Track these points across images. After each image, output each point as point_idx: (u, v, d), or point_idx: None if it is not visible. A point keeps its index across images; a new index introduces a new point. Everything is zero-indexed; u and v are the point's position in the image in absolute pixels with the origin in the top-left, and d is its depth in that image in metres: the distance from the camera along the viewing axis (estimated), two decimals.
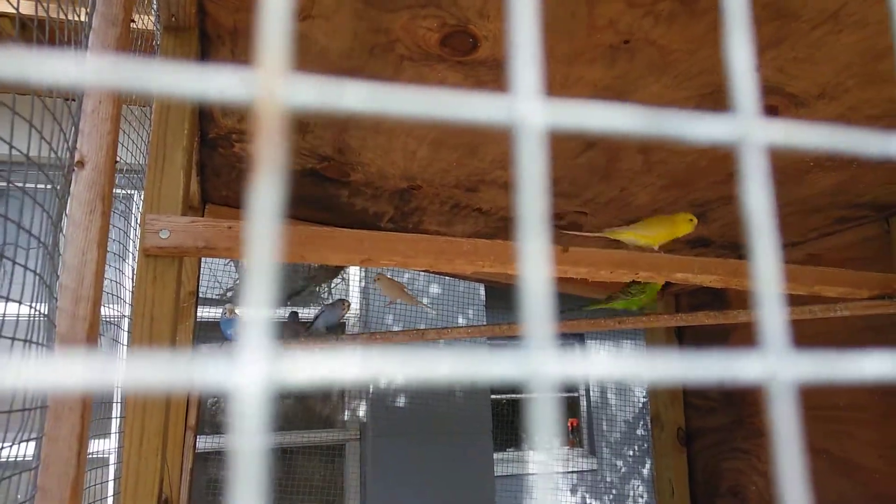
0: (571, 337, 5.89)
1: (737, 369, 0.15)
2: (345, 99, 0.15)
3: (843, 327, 2.00)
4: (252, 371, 0.13)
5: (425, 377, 0.14)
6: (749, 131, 0.16)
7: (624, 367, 0.14)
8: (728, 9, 0.17)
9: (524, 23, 0.16)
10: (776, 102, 1.30)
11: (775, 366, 0.14)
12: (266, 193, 0.14)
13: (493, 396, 5.33)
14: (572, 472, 5.73)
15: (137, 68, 0.14)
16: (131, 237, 1.72)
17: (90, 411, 0.73)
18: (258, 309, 0.14)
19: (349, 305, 2.38)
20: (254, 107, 0.14)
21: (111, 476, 1.77)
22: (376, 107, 0.15)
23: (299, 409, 4.36)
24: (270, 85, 0.14)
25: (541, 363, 0.14)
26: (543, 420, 0.13)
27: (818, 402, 2.11)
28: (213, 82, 0.14)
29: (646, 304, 1.57)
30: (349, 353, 0.14)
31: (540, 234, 0.14)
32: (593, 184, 1.76)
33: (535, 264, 0.14)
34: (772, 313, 0.15)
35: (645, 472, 5.84)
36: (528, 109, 0.15)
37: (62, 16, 0.84)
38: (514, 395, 6.14)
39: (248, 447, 0.13)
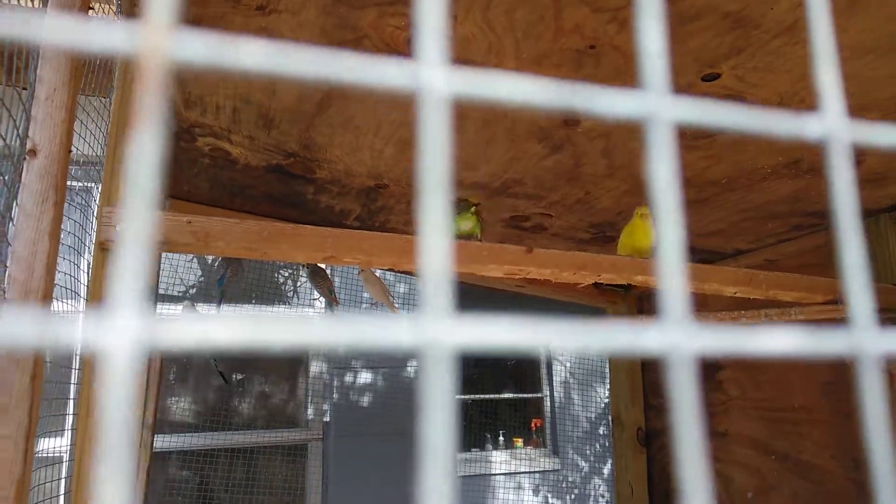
0: None
1: (638, 341, 0.15)
2: (241, 57, 0.15)
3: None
4: (122, 331, 0.13)
5: (310, 343, 0.14)
6: (657, 107, 0.16)
7: (525, 335, 0.14)
8: None
9: None
10: None
11: (675, 337, 0.15)
12: (146, 148, 0.14)
13: (457, 397, 5.34)
14: (535, 471, 5.77)
15: (17, 17, 0.13)
16: (89, 231, 1.68)
17: (38, 409, 0.71)
18: (132, 270, 0.13)
19: None
20: (137, 60, 0.14)
21: (63, 474, 1.73)
22: (274, 67, 0.15)
23: (262, 409, 4.30)
24: (155, 39, 0.14)
25: (437, 331, 0.14)
26: (438, 390, 0.13)
27: (773, 404, 2.17)
28: (97, 34, 0.14)
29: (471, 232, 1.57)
30: (231, 316, 0.14)
31: (441, 201, 0.14)
32: (559, 186, 1.77)
33: (435, 231, 0.14)
34: (673, 284, 0.15)
35: (606, 471, 5.92)
36: (433, 76, 0.15)
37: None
38: (478, 396, 6.16)
39: (116, 414, 0.12)
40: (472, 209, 1.57)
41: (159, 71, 0.14)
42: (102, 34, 0.14)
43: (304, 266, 2.60)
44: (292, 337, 0.13)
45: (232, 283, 2.61)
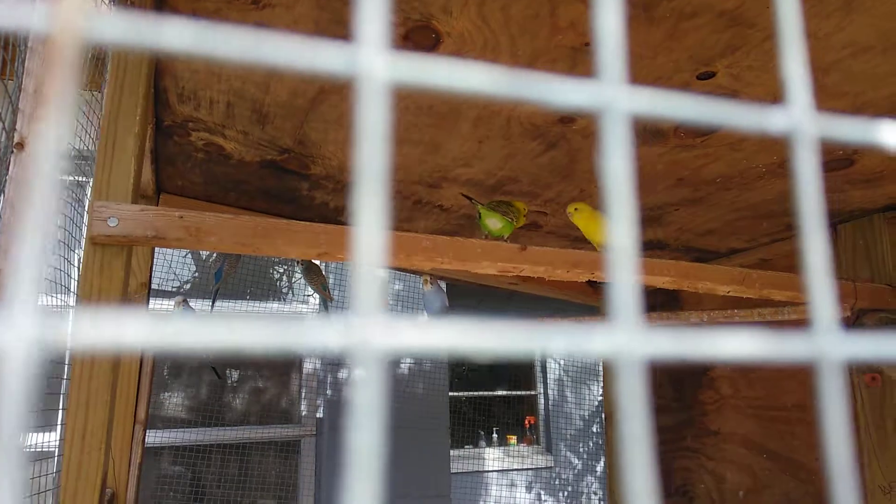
0: None
1: (586, 343, 0.15)
2: (163, 36, 0.14)
3: (794, 330, 2.06)
4: (20, 328, 0.12)
5: (237, 345, 0.13)
6: (612, 98, 0.15)
7: (463, 337, 0.14)
8: None
9: None
10: None
11: (624, 341, 0.14)
12: (52, 134, 0.13)
13: (451, 394, 5.35)
14: (528, 469, 5.78)
15: None
16: (80, 225, 1.67)
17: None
18: (32, 260, 0.13)
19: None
20: (50, 39, 0.13)
21: (55, 469, 1.72)
22: (199, 48, 0.14)
23: (255, 405, 4.30)
24: (70, 17, 0.13)
25: (367, 332, 0.13)
26: (367, 394, 0.13)
27: (766, 403, 2.17)
28: (10, 11, 0.13)
29: (503, 233, 1.55)
30: (143, 317, 0.13)
31: (377, 196, 0.14)
32: (554, 184, 1.77)
33: (370, 227, 0.14)
34: (624, 286, 0.15)
35: (599, 469, 5.93)
36: (373, 61, 0.15)
37: None
38: (472, 393, 6.17)
39: (7, 416, 0.12)
40: (501, 205, 1.55)
41: (71, 51, 0.13)
42: (14, 11, 0.13)
43: (298, 262, 2.60)
44: (210, 339, 0.13)
45: (230, 277, 2.61)
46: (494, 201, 1.58)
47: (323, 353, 4.28)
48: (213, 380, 4.10)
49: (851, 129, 0.18)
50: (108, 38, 0.14)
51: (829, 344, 0.15)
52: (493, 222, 1.53)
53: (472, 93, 0.15)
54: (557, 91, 0.15)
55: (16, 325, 0.12)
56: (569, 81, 0.16)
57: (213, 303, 2.71)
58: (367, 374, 0.13)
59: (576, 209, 1.56)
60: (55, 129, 0.13)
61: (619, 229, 0.15)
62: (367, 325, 0.13)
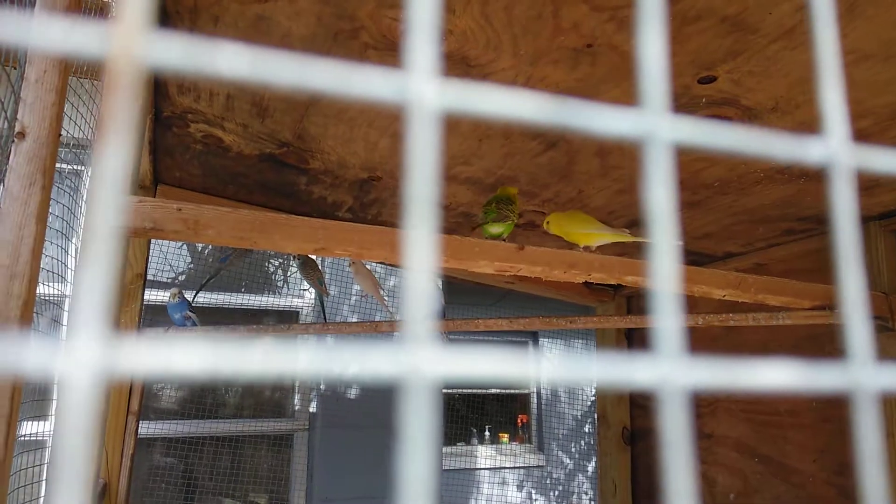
0: (525, 335, 5.95)
1: (629, 373, 0.15)
2: (218, 62, 0.14)
3: (788, 335, 2.07)
4: (83, 357, 0.12)
5: (285, 372, 0.13)
6: (656, 127, 0.15)
7: (512, 367, 0.14)
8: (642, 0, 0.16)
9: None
10: (731, 114, 1.33)
11: (668, 371, 0.14)
12: (115, 156, 0.13)
13: (444, 391, 5.35)
14: (520, 467, 5.79)
15: None
16: (78, 215, 1.66)
17: (20, 394, 0.70)
18: (94, 287, 0.13)
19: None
20: (108, 63, 0.13)
21: (46, 459, 1.72)
22: (254, 74, 0.14)
23: (249, 398, 4.30)
24: (128, 41, 0.13)
25: (417, 360, 0.13)
26: (418, 424, 0.13)
27: (759, 408, 2.18)
28: (65, 35, 0.13)
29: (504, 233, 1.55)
30: (195, 343, 0.13)
31: (428, 222, 0.14)
32: (553, 184, 1.77)
33: (421, 254, 0.14)
34: (668, 316, 0.15)
35: (590, 469, 5.95)
36: (423, 89, 0.14)
37: None
38: (465, 390, 6.17)
39: (74, 441, 0.12)
40: (502, 208, 1.54)
41: (131, 76, 0.13)
42: (71, 35, 0.13)
43: (295, 256, 2.60)
44: (263, 366, 0.13)
45: (236, 264, 2.59)
46: (491, 207, 1.57)
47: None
48: None
49: (887, 160, 0.18)
50: (164, 63, 0.13)
51: (865, 375, 0.15)
52: (495, 229, 1.54)
53: (519, 120, 0.15)
54: (601, 119, 0.15)
55: (79, 355, 0.12)
56: (612, 110, 0.16)
57: (207, 282, 2.68)
58: (418, 403, 0.13)
59: (547, 223, 1.59)
60: (118, 154, 0.13)
61: (661, 260, 0.15)
62: (419, 353, 0.13)
